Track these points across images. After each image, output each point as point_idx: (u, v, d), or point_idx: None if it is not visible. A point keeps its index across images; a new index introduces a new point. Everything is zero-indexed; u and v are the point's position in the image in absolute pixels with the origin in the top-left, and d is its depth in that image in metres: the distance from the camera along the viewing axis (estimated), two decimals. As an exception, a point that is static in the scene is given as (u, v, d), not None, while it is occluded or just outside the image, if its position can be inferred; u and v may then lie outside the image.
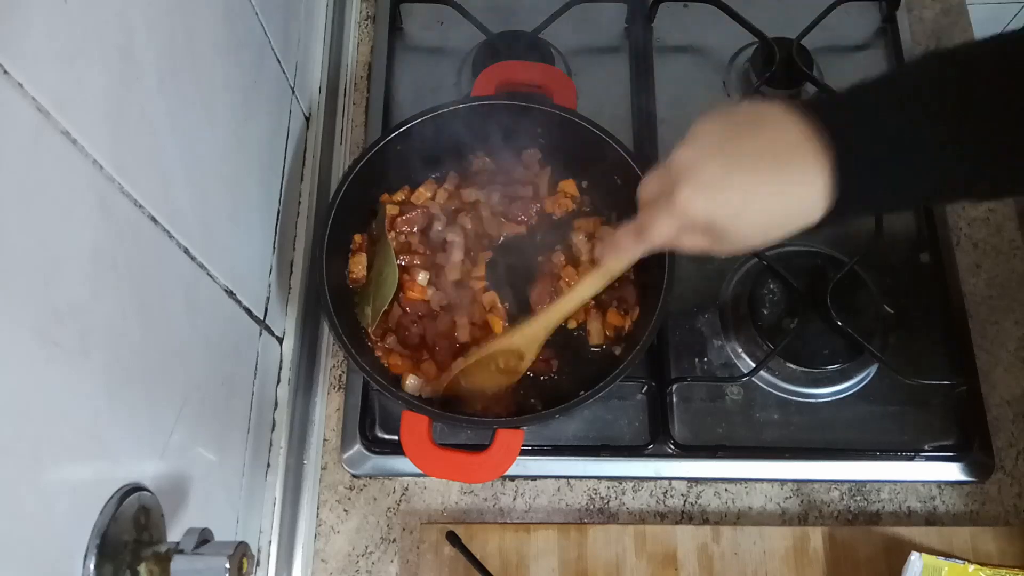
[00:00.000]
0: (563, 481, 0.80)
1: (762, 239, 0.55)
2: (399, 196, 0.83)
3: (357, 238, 0.80)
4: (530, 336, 0.74)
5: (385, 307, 0.76)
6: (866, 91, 0.53)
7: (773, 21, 0.94)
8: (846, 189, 0.51)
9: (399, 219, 0.80)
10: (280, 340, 0.78)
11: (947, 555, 0.73)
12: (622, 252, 0.63)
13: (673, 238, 0.57)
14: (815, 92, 0.92)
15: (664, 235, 0.57)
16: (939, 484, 0.81)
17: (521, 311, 0.79)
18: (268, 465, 0.74)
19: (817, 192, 0.51)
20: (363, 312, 0.77)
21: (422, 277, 0.78)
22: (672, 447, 0.79)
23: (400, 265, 0.78)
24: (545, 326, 0.73)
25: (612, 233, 0.64)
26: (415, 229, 0.81)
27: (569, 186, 0.83)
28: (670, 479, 0.80)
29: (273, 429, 0.75)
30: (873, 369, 0.82)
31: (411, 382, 0.75)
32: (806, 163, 0.51)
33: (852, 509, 0.80)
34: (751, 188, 0.52)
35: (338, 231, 0.76)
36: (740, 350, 0.84)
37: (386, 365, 0.77)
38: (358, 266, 0.79)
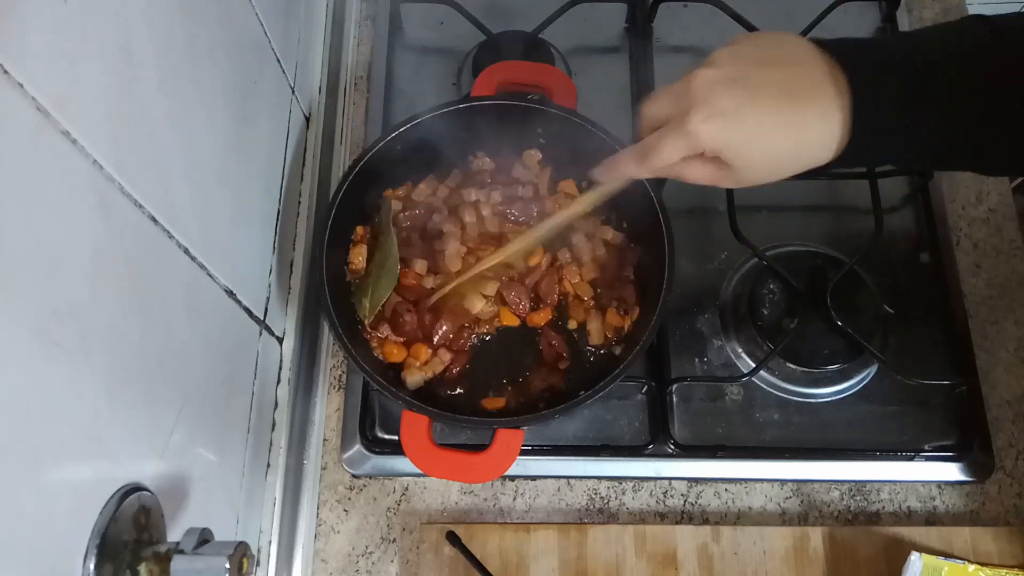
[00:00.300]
0: (563, 481, 0.80)
1: (769, 174, 0.54)
2: (401, 192, 0.83)
3: (359, 230, 0.81)
4: (522, 252, 0.77)
5: (384, 300, 0.76)
6: (897, 41, 0.53)
7: (773, 21, 0.94)
8: (858, 134, 0.50)
9: (401, 215, 0.81)
10: (280, 340, 0.78)
11: (947, 555, 0.74)
12: (621, 172, 0.62)
13: (677, 164, 0.56)
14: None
15: (669, 158, 0.55)
16: (939, 484, 0.81)
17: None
18: (268, 465, 0.74)
19: (831, 132, 0.51)
20: (360, 304, 0.77)
21: (419, 265, 0.78)
22: (672, 447, 0.79)
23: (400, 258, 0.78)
24: (536, 239, 0.76)
25: (613, 155, 0.63)
26: (416, 225, 0.81)
27: (569, 186, 0.83)
28: (670, 479, 0.80)
29: (273, 429, 0.75)
30: (873, 369, 0.82)
31: (412, 378, 0.75)
32: (825, 102, 0.50)
33: (852, 509, 0.80)
34: (767, 120, 0.51)
35: (338, 229, 0.76)
36: (740, 350, 0.84)
37: (381, 355, 0.77)
38: (358, 257, 0.79)
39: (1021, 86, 0.50)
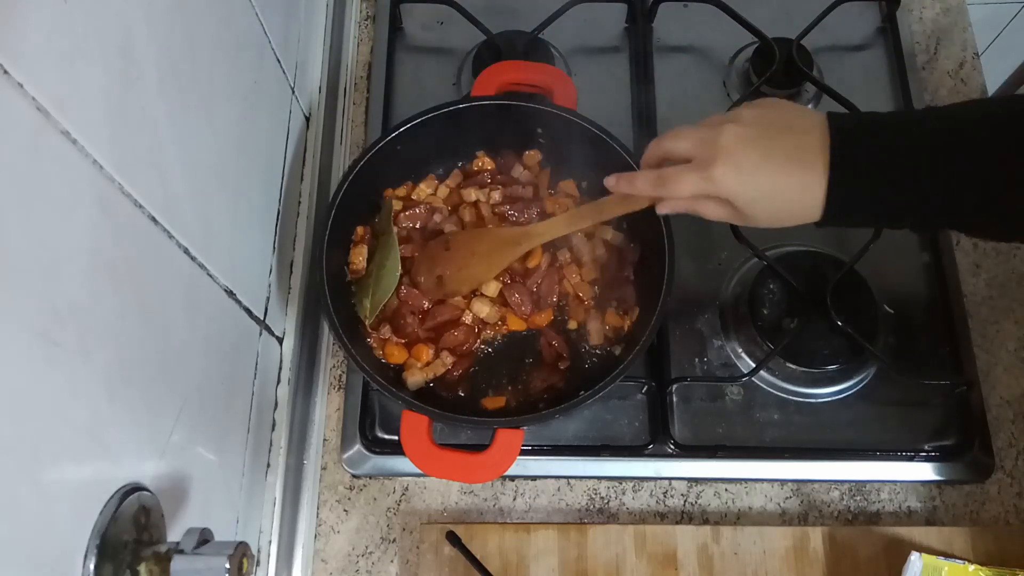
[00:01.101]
0: (563, 481, 0.80)
1: (770, 222, 0.62)
2: (401, 191, 0.83)
3: (359, 230, 0.81)
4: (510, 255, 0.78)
5: (385, 300, 0.76)
6: (886, 121, 0.59)
7: (773, 21, 0.94)
8: (833, 203, 0.58)
9: (402, 215, 0.81)
10: (280, 340, 0.78)
11: (947, 555, 0.73)
12: (636, 190, 0.67)
13: (690, 200, 0.63)
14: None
15: (685, 192, 0.62)
16: (939, 484, 0.81)
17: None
18: (268, 465, 0.74)
19: (816, 199, 0.58)
20: (361, 305, 0.77)
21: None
22: (672, 447, 0.79)
23: (400, 256, 0.78)
24: (530, 243, 0.77)
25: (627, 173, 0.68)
26: (417, 225, 0.81)
27: (569, 186, 0.83)
28: (670, 479, 0.80)
29: (273, 429, 0.75)
30: (873, 369, 0.82)
31: (412, 379, 0.75)
32: (815, 172, 0.58)
33: (852, 509, 0.80)
34: (777, 179, 0.59)
35: (338, 229, 0.76)
36: (740, 350, 0.84)
37: (382, 356, 0.77)
38: (359, 257, 0.79)
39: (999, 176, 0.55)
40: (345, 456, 0.80)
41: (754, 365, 0.81)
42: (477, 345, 0.79)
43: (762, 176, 0.59)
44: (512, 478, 0.80)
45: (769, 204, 0.60)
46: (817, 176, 0.57)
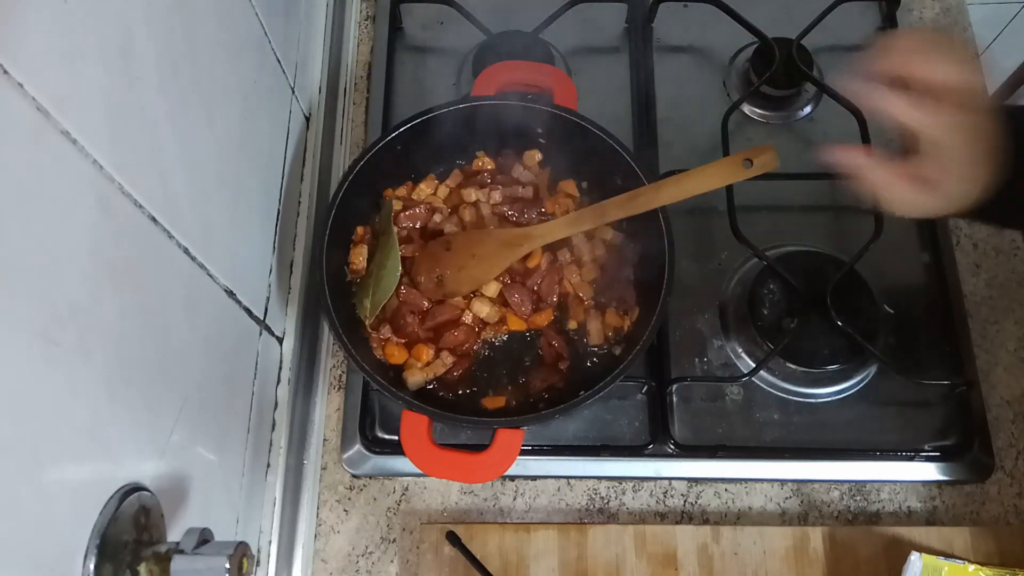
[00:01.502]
0: (563, 481, 0.80)
1: (961, 189, 0.58)
2: (401, 191, 0.83)
3: (359, 230, 0.81)
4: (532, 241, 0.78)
5: (385, 300, 0.76)
6: None
7: (773, 21, 0.94)
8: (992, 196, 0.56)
9: (402, 215, 0.81)
10: (280, 340, 0.78)
11: (947, 555, 0.73)
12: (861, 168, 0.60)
13: (884, 179, 0.58)
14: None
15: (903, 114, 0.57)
16: (939, 484, 0.81)
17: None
18: (268, 465, 0.74)
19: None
20: (361, 304, 0.77)
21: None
22: (672, 447, 0.79)
23: (400, 256, 0.78)
24: (530, 244, 0.77)
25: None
26: (417, 225, 0.81)
27: (569, 186, 0.83)
28: (670, 479, 0.80)
29: (273, 429, 0.75)
30: (873, 369, 0.82)
31: (413, 379, 0.75)
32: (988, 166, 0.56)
33: (852, 509, 0.80)
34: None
35: (338, 229, 0.76)
36: (740, 350, 0.84)
37: (381, 356, 0.77)
38: (359, 257, 0.79)
39: None
40: (345, 456, 0.80)
41: (754, 365, 0.81)
42: (477, 345, 0.79)
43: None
44: (512, 478, 0.80)
45: (970, 152, 0.56)
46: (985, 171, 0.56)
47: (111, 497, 0.43)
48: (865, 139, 0.86)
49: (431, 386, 0.77)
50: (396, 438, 0.78)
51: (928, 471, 0.80)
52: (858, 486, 0.81)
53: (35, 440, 0.37)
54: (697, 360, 0.83)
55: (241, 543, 0.45)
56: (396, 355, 0.77)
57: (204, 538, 0.46)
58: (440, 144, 0.81)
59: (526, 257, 0.79)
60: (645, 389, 0.81)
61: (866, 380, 0.82)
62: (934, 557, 0.73)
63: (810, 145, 0.93)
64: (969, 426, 0.81)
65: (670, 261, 0.73)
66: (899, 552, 0.74)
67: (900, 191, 0.58)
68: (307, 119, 0.87)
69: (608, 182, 0.80)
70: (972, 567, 0.73)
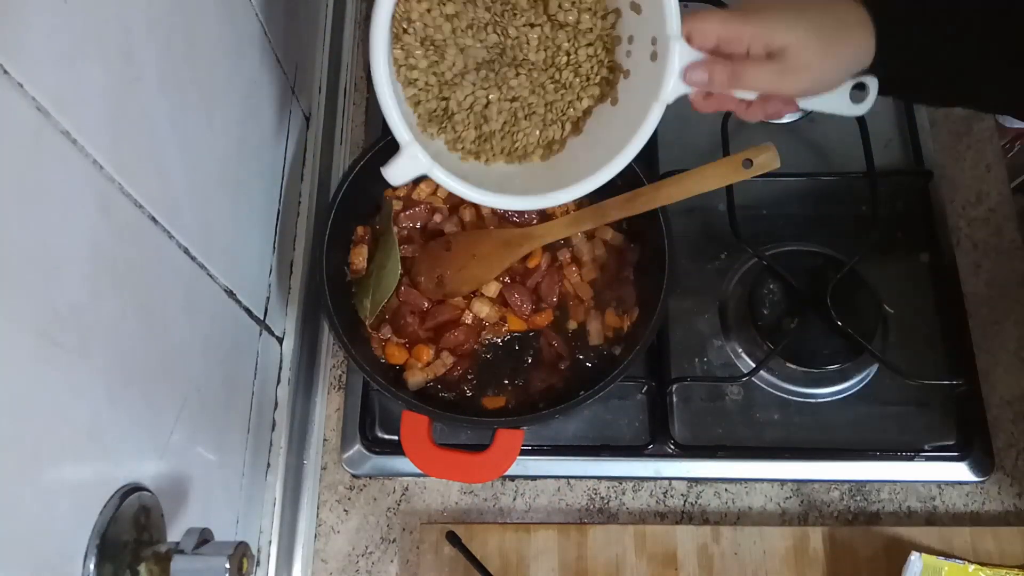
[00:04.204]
0: (563, 481, 0.80)
1: (823, 66, 0.59)
2: (401, 192, 0.83)
3: (360, 230, 0.81)
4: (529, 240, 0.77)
5: (385, 300, 0.76)
6: None
7: (773, 21, 0.94)
8: (883, 43, 0.58)
9: (402, 215, 0.81)
10: (280, 340, 0.78)
11: (947, 555, 0.73)
12: (715, 87, 0.61)
13: (740, 67, 0.59)
14: None
15: (761, 84, 0.59)
16: (939, 484, 0.81)
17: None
18: (268, 465, 0.74)
19: (866, 29, 0.58)
20: (361, 304, 0.77)
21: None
22: (672, 447, 0.79)
23: (400, 257, 0.78)
24: (530, 245, 0.77)
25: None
26: (417, 225, 0.81)
27: (569, 186, 0.83)
28: (670, 479, 0.80)
29: (273, 429, 0.75)
30: (873, 369, 0.82)
31: (413, 379, 0.75)
32: (856, 10, 0.58)
33: (852, 509, 0.80)
34: (826, 15, 0.58)
35: (339, 228, 0.76)
36: (740, 350, 0.84)
37: (382, 356, 0.77)
38: (359, 257, 0.79)
39: None
40: (345, 456, 0.80)
41: (754, 365, 0.81)
42: (477, 345, 0.79)
43: (809, 13, 0.58)
44: (512, 478, 0.80)
45: (820, 41, 0.57)
46: (858, 6, 0.57)
47: (111, 497, 0.43)
48: (865, 139, 0.86)
49: (431, 386, 0.77)
50: (396, 438, 0.78)
51: (928, 471, 0.80)
52: (858, 486, 0.81)
53: (35, 440, 0.37)
54: (697, 360, 0.83)
55: (241, 543, 0.45)
56: (396, 355, 0.77)
57: (204, 538, 0.46)
58: (440, 144, 0.81)
59: (526, 257, 0.79)
60: (645, 389, 0.81)
61: (866, 380, 0.82)
62: (934, 557, 0.73)
63: (810, 145, 0.93)
64: (969, 426, 0.81)
65: (670, 261, 0.73)
66: (899, 552, 0.74)
67: (753, 75, 0.59)
68: (307, 119, 0.87)
69: (608, 182, 0.80)
70: (972, 567, 0.73)
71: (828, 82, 0.61)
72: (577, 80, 0.66)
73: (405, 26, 0.63)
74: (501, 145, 0.67)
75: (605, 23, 0.64)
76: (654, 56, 0.61)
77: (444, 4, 0.62)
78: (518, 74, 0.65)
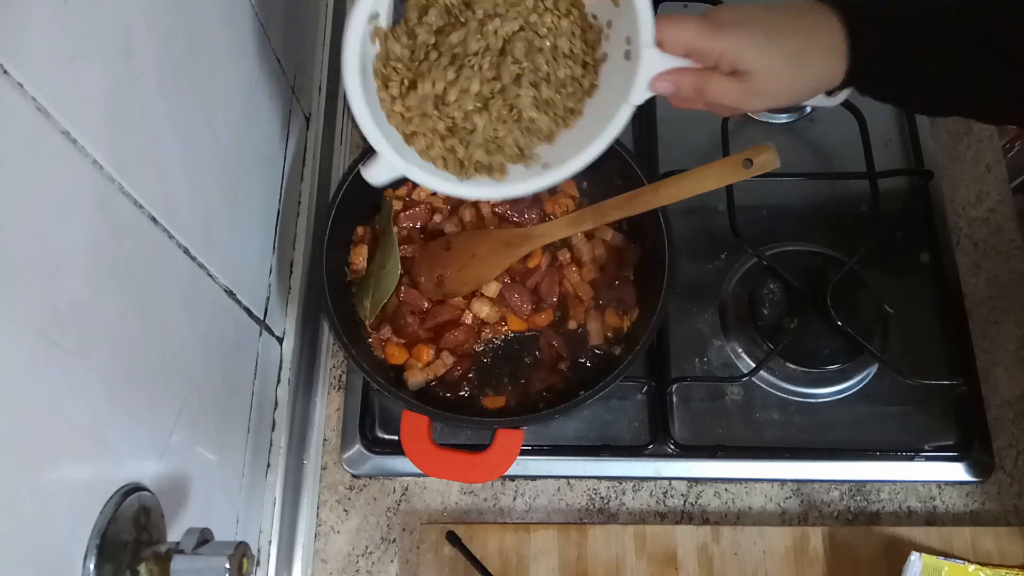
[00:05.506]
0: (563, 481, 0.80)
1: (788, 85, 0.58)
2: (401, 192, 0.83)
3: (360, 230, 0.81)
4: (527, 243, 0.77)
5: (385, 300, 0.76)
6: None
7: (773, 21, 0.94)
8: (855, 68, 0.57)
9: (402, 215, 0.81)
10: (280, 340, 0.78)
11: (947, 555, 0.74)
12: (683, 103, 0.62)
13: (701, 78, 0.59)
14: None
15: (722, 98, 0.59)
16: (939, 484, 0.81)
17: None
18: (268, 465, 0.74)
19: (839, 43, 0.57)
20: (361, 305, 0.77)
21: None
22: (672, 447, 0.79)
23: (400, 257, 0.78)
24: (530, 245, 0.76)
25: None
26: (417, 225, 0.81)
27: (569, 186, 0.83)
28: (670, 479, 0.80)
29: (273, 429, 0.75)
30: (873, 369, 0.82)
31: (413, 379, 0.75)
32: (829, 20, 0.57)
33: (852, 509, 0.80)
34: (793, 39, 0.57)
35: (339, 228, 0.76)
36: (740, 350, 0.84)
37: (382, 356, 0.77)
38: (359, 257, 0.79)
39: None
40: (345, 456, 0.80)
41: (754, 365, 0.81)
42: (477, 345, 0.79)
43: (763, 19, 0.57)
44: (512, 478, 0.80)
45: (781, 46, 0.57)
46: (834, 28, 0.56)
47: (111, 497, 0.43)
48: (865, 139, 0.86)
49: (431, 386, 0.77)
50: (396, 438, 0.78)
51: (928, 471, 0.80)
52: (858, 486, 0.81)
53: (35, 440, 0.37)
54: (697, 360, 0.83)
55: (241, 543, 0.45)
56: (396, 355, 0.77)
57: (204, 538, 0.46)
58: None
59: (526, 257, 0.79)
60: (645, 389, 0.81)
61: (866, 380, 0.82)
62: (934, 557, 0.73)
63: (810, 145, 0.93)
64: (969, 426, 0.81)
65: (670, 261, 0.73)
66: (899, 552, 0.74)
67: (715, 88, 0.59)
68: (307, 119, 0.87)
69: (608, 182, 0.80)
70: (972, 567, 0.73)
71: (792, 102, 0.61)
72: (559, 99, 0.64)
73: (392, 66, 0.61)
74: (477, 159, 0.66)
75: (585, 29, 0.63)
76: (627, 55, 0.60)
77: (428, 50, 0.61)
78: (503, 99, 0.62)
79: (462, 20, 0.60)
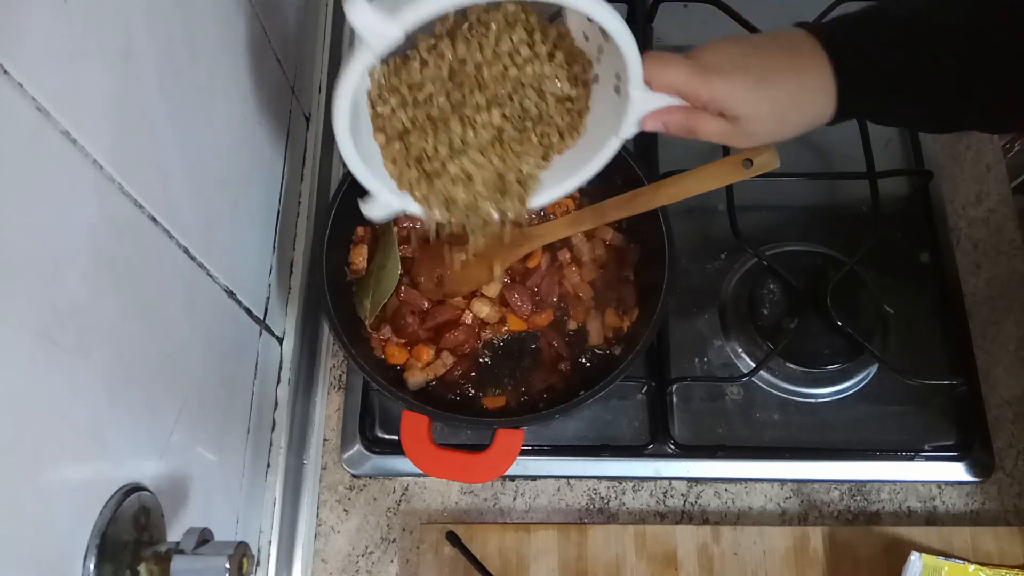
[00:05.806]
0: (563, 481, 0.80)
1: (776, 126, 0.58)
2: (401, 193, 0.83)
3: (360, 230, 0.81)
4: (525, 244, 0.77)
5: (385, 300, 0.76)
6: (875, 19, 0.57)
7: (773, 21, 0.92)
8: (846, 103, 0.56)
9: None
10: (280, 340, 0.78)
11: (947, 555, 0.74)
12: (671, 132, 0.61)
13: (690, 116, 0.59)
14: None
15: (708, 131, 0.59)
16: (939, 484, 0.81)
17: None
18: (268, 465, 0.74)
19: (828, 78, 0.56)
20: (361, 305, 0.77)
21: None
22: (672, 447, 0.79)
23: (400, 257, 0.78)
24: (530, 245, 0.76)
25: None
26: (418, 225, 0.81)
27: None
28: (670, 479, 0.80)
29: (273, 429, 0.75)
30: (873, 369, 0.82)
31: (413, 379, 0.75)
32: (816, 61, 0.56)
33: (852, 509, 0.80)
34: (783, 80, 0.56)
35: (339, 228, 0.76)
36: (740, 350, 0.84)
37: (382, 356, 0.77)
38: (359, 257, 0.79)
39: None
40: (345, 456, 0.80)
41: (754, 365, 0.81)
42: (477, 345, 0.79)
43: (754, 63, 0.56)
44: (512, 478, 0.80)
45: (770, 93, 0.56)
46: (822, 67, 0.55)
47: (111, 497, 0.43)
48: (865, 139, 0.86)
49: (431, 386, 0.77)
50: (396, 438, 0.78)
51: (928, 471, 0.80)
52: (858, 486, 0.81)
53: (35, 440, 0.37)
54: (697, 360, 0.83)
55: (241, 543, 0.45)
56: (396, 355, 0.77)
57: (204, 538, 0.46)
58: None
59: (526, 257, 0.79)
60: (645, 389, 0.81)
61: (866, 380, 0.83)
62: (934, 557, 0.73)
63: (810, 145, 0.93)
64: (969, 426, 0.81)
65: (670, 261, 0.73)
66: (899, 552, 0.74)
67: (704, 128, 0.59)
68: (307, 119, 0.87)
69: (608, 182, 0.80)
70: (972, 567, 0.73)
71: (780, 140, 0.61)
72: (553, 133, 0.64)
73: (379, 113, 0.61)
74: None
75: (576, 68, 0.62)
76: (617, 90, 0.60)
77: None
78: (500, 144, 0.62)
79: (451, 103, 0.60)
